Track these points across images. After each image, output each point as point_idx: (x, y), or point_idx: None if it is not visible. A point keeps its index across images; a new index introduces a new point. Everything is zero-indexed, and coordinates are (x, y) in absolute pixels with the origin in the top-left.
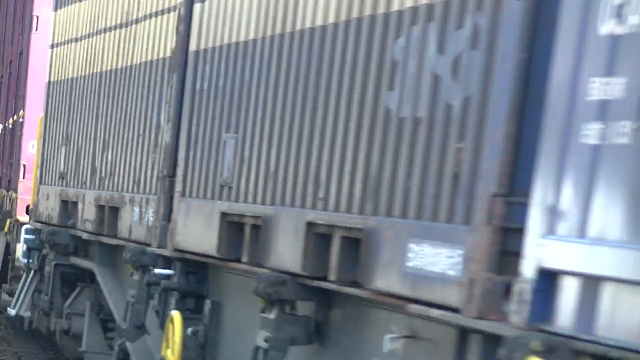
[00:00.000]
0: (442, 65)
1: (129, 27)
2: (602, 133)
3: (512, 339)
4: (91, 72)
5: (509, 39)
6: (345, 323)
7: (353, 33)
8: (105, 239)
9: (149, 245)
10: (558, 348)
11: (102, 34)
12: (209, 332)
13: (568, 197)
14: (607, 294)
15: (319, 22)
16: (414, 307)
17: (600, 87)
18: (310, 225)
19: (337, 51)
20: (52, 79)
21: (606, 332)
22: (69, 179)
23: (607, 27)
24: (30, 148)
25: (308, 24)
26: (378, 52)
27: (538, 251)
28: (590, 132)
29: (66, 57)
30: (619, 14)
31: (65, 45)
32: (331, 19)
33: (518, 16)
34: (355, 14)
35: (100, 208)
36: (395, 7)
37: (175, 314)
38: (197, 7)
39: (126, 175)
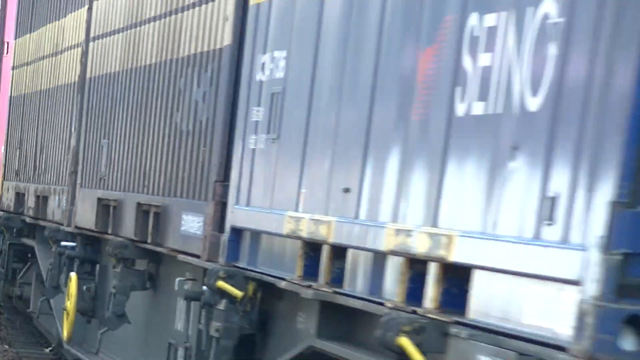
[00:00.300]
0: (199, 95)
1: (57, 56)
2: (256, 141)
3: (210, 271)
4: (35, 90)
5: (224, 79)
6: (164, 273)
7: (162, 71)
8: (41, 222)
9: (62, 224)
10: (235, 275)
11: (42, 60)
12: (98, 288)
13: (243, 181)
14: (263, 242)
15: (147, 62)
16: (180, 257)
17: (256, 113)
18: (139, 205)
19: (155, 82)
20: (13, 94)
21: (262, 265)
22: (20, 176)
23: (259, 76)
24: (2, 150)
25: (142, 63)
26: (173, 83)
27: (231, 216)
28: (252, 141)
29: (21, 77)
30: (263, 68)
31: (21, 68)
32: (153, 60)
33: (228, 65)
34: (162, 57)
35: (38, 198)
36: (180, 55)
37: (73, 275)
38: (91, 44)
39: (52, 171)
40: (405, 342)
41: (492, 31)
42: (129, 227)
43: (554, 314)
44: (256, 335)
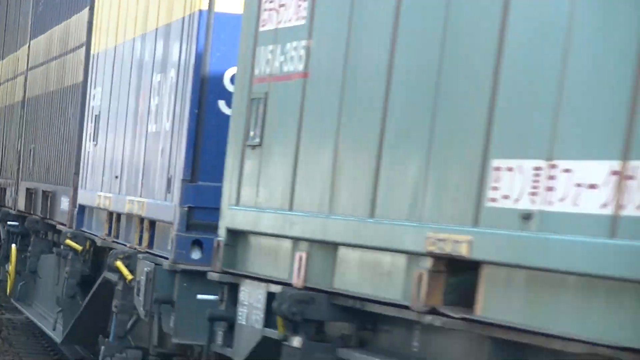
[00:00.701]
0: (71, 113)
1: (14, 79)
2: (89, 146)
3: (62, 234)
4: (2, 105)
5: (78, 104)
6: (62, 240)
7: (57, 95)
8: (4, 209)
9: (11, 209)
10: (78, 235)
11: (7, 82)
12: (31, 256)
13: (83, 172)
14: (94, 213)
15: (52, 88)
16: (58, 227)
17: (90, 127)
18: (43, 192)
19: (54, 103)
20: None
21: (95, 229)
22: None
23: (92, 103)
24: None
25: (50, 89)
26: (61, 104)
27: (79, 196)
28: (87, 146)
29: None
30: (94, 98)
31: None
32: (53, 88)
33: (80, 94)
34: (58, 86)
35: (1, 190)
36: (65, 85)
37: (13, 246)
38: (29, 72)
39: (9, 169)
40: (119, 264)
41: (160, 84)
42: (39, 208)
43: (169, 242)
44: (95, 276)
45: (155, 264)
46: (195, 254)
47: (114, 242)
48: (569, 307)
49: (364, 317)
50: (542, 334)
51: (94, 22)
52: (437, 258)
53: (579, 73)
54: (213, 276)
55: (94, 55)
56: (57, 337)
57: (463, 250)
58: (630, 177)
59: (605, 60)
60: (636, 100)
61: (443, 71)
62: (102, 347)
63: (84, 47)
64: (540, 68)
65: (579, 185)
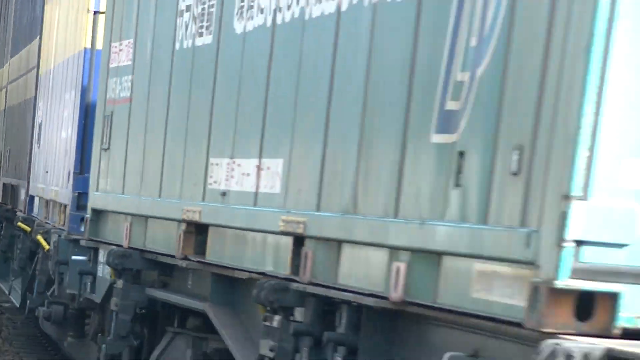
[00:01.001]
0: (28, 121)
1: (0, 91)
2: (35, 147)
3: (15, 218)
4: None
5: (30, 116)
6: None
7: (25, 105)
8: None
9: None
10: (28, 219)
11: None
12: (3, 238)
13: (33, 167)
14: (40, 201)
15: (19, 100)
16: (18, 213)
17: (37, 133)
18: (12, 186)
19: (21, 112)
20: None
21: (38, 214)
22: None
23: (38, 114)
24: None
25: (20, 100)
26: (24, 113)
27: (30, 187)
28: (35, 147)
29: None
30: (40, 109)
31: None
32: (21, 99)
33: (32, 107)
34: (23, 98)
35: None
36: (26, 97)
37: None
38: (9, 86)
39: None
40: (39, 237)
41: (67, 101)
42: (9, 199)
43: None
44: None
45: (59, 236)
46: (84, 227)
47: (46, 222)
48: (251, 253)
49: (165, 267)
50: (239, 269)
51: (42, 48)
52: (188, 223)
53: (245, 112)
54: (83, 243)
55: (41, 74)
56: (16, 301)
57: (197, 217)
58: (262, 169)
59: (255, 98)
60: (264, 126)
61: (192, 102)
62: (28, 301)
63: (35, 68)
64: (230, 101)
65: (243, 174)
